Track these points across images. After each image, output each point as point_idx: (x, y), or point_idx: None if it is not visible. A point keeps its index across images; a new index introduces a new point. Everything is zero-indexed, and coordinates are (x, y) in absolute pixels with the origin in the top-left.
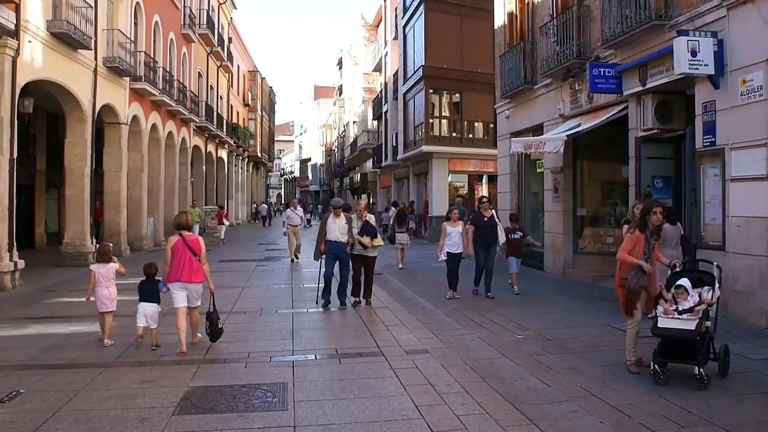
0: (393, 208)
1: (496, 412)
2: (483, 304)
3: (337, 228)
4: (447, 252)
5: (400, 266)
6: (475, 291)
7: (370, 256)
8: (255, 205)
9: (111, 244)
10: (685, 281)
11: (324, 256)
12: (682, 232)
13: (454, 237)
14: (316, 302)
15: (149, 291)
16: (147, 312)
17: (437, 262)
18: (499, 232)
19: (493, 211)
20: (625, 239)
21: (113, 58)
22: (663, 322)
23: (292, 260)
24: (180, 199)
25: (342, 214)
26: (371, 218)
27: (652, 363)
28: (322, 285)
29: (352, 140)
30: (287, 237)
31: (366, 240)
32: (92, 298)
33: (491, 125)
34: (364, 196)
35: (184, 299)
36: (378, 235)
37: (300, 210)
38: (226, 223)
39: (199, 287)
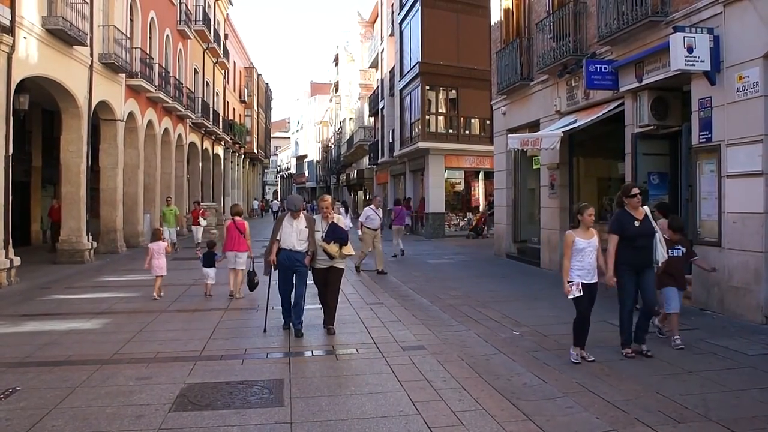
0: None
1: (492, 408)
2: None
3: (295, 232)
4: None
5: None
6: (631, 353)
7: (336, 267)
8: (257, 202)
9: (162, 228)
10: None
11: (276, 269)
12: None
13: (588, 256)
14: (264, 330)
15: (209, 260)
16: (209, 274)
17: (434, 258)
18: (659, 243)
19: (647, 208)
20: None
21: (109, 54)
22: None
23: (380, 272)
24: (176, 197)
25: (302, 215)
26: (340, 219)
27: None
28: (278, 307)
29: (348, 137)
30: (363, 242)
31: (333, 248)
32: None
33: (488, 122)
34: (360, 192)
35: (234, 263)
36: (349, 242)
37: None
38: (203, 223)
39: (244, 254)
